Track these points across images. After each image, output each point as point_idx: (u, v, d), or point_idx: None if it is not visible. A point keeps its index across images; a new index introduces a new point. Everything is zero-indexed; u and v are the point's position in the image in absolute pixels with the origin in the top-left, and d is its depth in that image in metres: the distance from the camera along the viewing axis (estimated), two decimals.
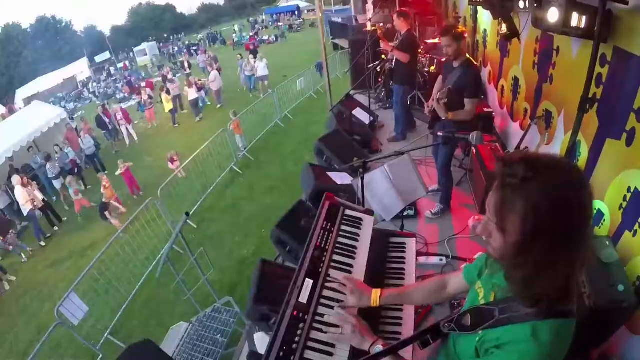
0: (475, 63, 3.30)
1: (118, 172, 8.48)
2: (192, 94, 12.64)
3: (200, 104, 13.71)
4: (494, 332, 1.00)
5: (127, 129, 12.30)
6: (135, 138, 12.50)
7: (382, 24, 7.67)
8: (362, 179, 2.39)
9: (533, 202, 0.82)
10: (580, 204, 0.83)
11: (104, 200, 7.44)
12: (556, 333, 0.90)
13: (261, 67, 14.06)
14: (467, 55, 3.23)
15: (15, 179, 7.91)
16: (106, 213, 7.35)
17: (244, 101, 12.57)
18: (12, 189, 8.19)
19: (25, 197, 7.69)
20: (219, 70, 18.18)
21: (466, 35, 3.31)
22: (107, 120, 11.94)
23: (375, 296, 1.46)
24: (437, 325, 1.25)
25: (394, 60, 4.88)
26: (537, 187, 0.82)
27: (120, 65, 32.13)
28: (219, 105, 13.42)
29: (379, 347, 1.24)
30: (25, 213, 7.86)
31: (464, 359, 1.15)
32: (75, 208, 8.35)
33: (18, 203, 7.98)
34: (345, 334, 1.36)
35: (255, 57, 15.96)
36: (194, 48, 31.81)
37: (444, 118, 3.16)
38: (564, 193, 0.82)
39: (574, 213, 0.82)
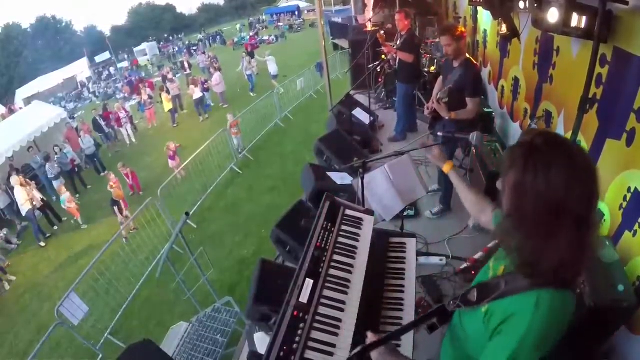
0: (475, 62, 3.30)
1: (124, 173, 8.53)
2: (197, 93, 12.63)
3: (209, 102, 13.70)
4: (500, 303, 1.02)
5: (127, 129, 12.30)
6: (134, 139, 12.50)
7: (383, 25, 7.68)
8: (362, 179, 2.39)
9: (532, 165, 0.88)
10: (576, 186, 0.86)
11: (113, 198, 7.41)
12: (560, 301, 0.93)
13: (272, 66, 14.07)
14: (467, 55, 3.22)
15: (14, 179, 7.88)
16: (116, 208, 7.34)
17: (245, 101, 12.57)
18: (12, 188, 8.18)
19: (25, 196, 7.67)
20: (219, 70, 18.22)
21: (466, 35, 3.30)
22: (102, 123, 11.96)
23: (448, 166, 1.73)
24: (442, 307, 1.26)
25: (397, 60, 4.89)
26: (541, 156, 0.88)
27: (120, 65, 32.12)
28: (225, 106, 13.42)
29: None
30: (24, 213, 7.85)
31: (472, 335, 1.16)
32: (75, 215, 8.14)
33: (18, 203, 7.96)
34: None
35: (252, 58, 15.97)
36: (194, 48, 31.81)
37: (446, 118, 3.15)
38: (565, 169, 0.86)
39: (566, 195, 0.85)
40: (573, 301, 0.98)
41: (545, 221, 0.88)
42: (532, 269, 0.93)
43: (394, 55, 4.82)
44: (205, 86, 13.69)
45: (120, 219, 7.31)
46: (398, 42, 4.88)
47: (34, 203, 7.76)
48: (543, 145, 0.90)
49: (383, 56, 5.38)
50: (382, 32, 5.51)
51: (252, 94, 13.68)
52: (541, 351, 0.96)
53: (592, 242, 0.91)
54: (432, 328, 1.30)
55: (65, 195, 7.87)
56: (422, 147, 1.68)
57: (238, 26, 36.32)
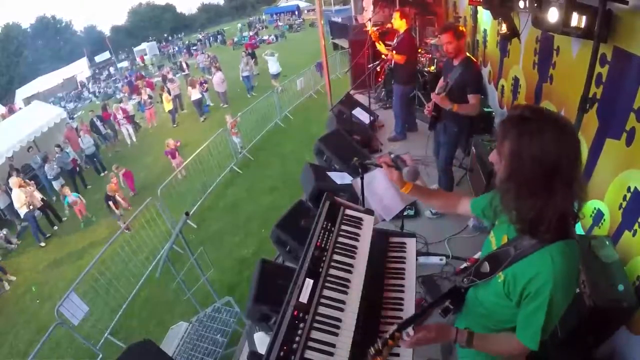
0: (475, 60, 3.29)
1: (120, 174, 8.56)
2: (195, 94, 12.64)
3: (208, 103, 13.68)
4: (515, 267, 1.12)
5: (127, 129, 12.30)
6: (134, 139, 12.50)
7: (379, 25, 7.67)
8: (362, 178, 2.39)
9: (522, 133, 0.99)
10: (561, 149, 0.97)
11: (108, 193, 7.43)
12: (569, 250, 1.05)
13: (272, 64, 14.03)
14: (467, 53, 3.22)
15: (13, 181, 7.80)
16: (110, 203, 7.36)
17: (245, 101, 12.56)
18: (12, 189, 8.17)
19: (21, 200, 7.58)
20: (219, 70, 18.21)
21: (466, 33, 3.29)
22: (100, 124, 11.96)
23: (406, 188, 1.64)
24: (455, 287, 1.33)
25: (393, 61, 4.89)
26: (529, 124, 1.00)
27: (120, 65, 32.13)
28: (225, 106, 13.39)
29: (463, 344, 1.24)
30: (21, 215, 7.83)
31: (492, 307, 1.25)
32: (78, 215, 8.10)
33: (15, 205, 7.90)
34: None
35: (253, 58, 15.95)
36: (194, 48, 31.82)
37: (448, 109, 3.11)
38: (549, 135, 0.97)
39: (554, 154, 0.97)
40: (577, 247, 1.08)
41: (542, 181, 0.98)
42: (535, 227, 1.03)
43: (389, 55, 4.81)
44: (204, 86, 13.67)
45: (118, 213, 7.41)
46: (395, 42, 4.87)
47: (31, 207, 7.71)
48: (532, 115, 1.01)
49: (383, 56, 5.39)
50: (374, 28, 5.49)
51: (249, 96, 13.52)
52: (569, 297, 1.08)
53: (581, 196, 1.03)
54: (446, 311, 1.37)
55: (70, 197, 7.83)
56: (381, 163, 1.62)
57: (239, 25, 36.35)
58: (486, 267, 1.22)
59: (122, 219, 7.49)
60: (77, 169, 9.97)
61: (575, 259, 1.07)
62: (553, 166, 0.97)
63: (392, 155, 1.60)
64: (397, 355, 1.68)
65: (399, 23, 4.66)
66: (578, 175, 1.01)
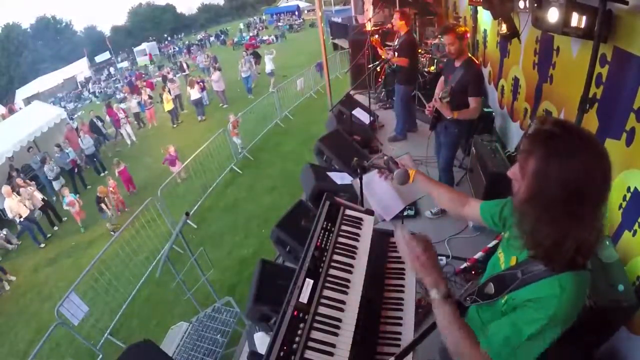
0: (477, 62, 3.29)
1: (117, 171, 8.57)
2: (194, 94, 12.63)
3: (205, 102, 13.68)
4: (520, 292, 1.04)
5: (126, 129, 12.31)
6: (134, 138, 12.50)
7: (379, 25, 7.68)
8: (361, 179, 2.38)
9: (550, 153, 0.90)
10: (593, 175, 0.89)
11: (98, 195, 7.45)
12: (578, 283, 0.97)
13: (268, 63, 14.04)
14: (469, 54, 3.22)
15: (4, 190, 7.67)
16: (102, 205, 7.40)
17: (245, 102, 12.56)
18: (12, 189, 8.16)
19: (14, 209, 7.51)
20: (219, 70, 18.20)
21: (468, 34, 3.29)
22: (100, 124, 11.97)
23: (411, 173, 1.60)
24: (457, 302, 1.23)
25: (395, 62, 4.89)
26: (559, 143, 0.90)
27: (120, 65, 32.14)
28: (225, 106, 13.37)
29: (436, 298, 1.13)
30: (17, 223, 7.80)
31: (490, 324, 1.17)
32: (76, 219, 7.95)
33: (7, 214, 7.83)
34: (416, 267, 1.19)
35: (256, 58, 15.95)
36: (193, 48, 31.85)
37: (448, 117, 3.13)
38: (581, 158, 0.88)
39: (585, 180, 0.88)
40: (588, 279, 1.02)
41: (566, 207, 0.90)
42: (551, 255, 0.96)
43: (391, 59, 4.83)
44: (202, 85, 13.66)
45: (109, 214, 7.49)
46: (396, 44, 4.88)
47: (29, 212, 7.69)
48: (563, 133, 0.91)
49: (383, 56, 5.39)
50: (376, 36, 5.51)
51: (250, 96, 13.47)
52: (565, 326, 1.01)
53: (602, 226, 0.95)
54: None
55: (67, 198, 7.68)
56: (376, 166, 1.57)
57: (242, 25, 36.43)
58: (491, 288, 1.15)
59: (112, 219, 7.56)
60: (77, 169, 9.96)
61: (584, 292, 1.01)
62: (581, 192, 0.88)
63: (385, 158, 1.56)
64: None
65: (399, 24, 4.67)
66: (605, 203, 0.93)
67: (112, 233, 7.05)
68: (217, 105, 13.74)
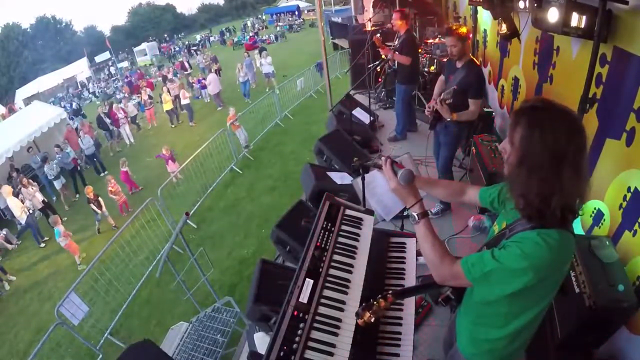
0: (478, 63, 3.29)
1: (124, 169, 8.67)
2: (183, 99, 12.64)
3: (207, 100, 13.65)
4: (507, 241, 1.15)
5: (125, 129, 12.31)
6: (132, 139, 12.49)
7: (382, 24, 7.68)
8: (363, 178, 2.39)
9: (533, 123, 1.04)
10: (570, 140, 1.02)
11: (87, 196, 7.48)
12: (559, 238, 1.06)
13: (266, 64, 14.02)
14: (471, 56, 3.22)
15: (6, 190, 7.67)
16: (92, 206, 7.45)
17: (243, 103, 12.56)
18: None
19: (19, 207, 7.51)
20: (219, 70, 18.21)
21: (470, 35, 3.28)
22: (108, 120, 11.94)
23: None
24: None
25: (396, 61, 4.89)
26: (540, 114, 1.06)
27: (120, 65, 32.14)
28: (219, 108, 13.33)
29: (414, 215, 1.34)
30: (22, 222, 7.82)
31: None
32: (72, 252, 6.83)
33: (14, 214, 7.85)
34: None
35: (262, 52, 15.94)
36: (194, 48, 31.85)
37: (447, 119, 3.13)
38: (559, 126, 1.02)
39: (563, 144, 1.01)
40: (572, 241, 1.11)
41: (551, 167, 1.02)
42: (541, 213, 1.06)
43: (393, 58, 4.81)
44: (203, 83, 13.63)
45: (100, 213, 7.54)
46: (396, 43, 4.87)
47: (30, 210, 7.66)
48: (544, 105, 1.08)
49: (383, 56, 5.39)
50: (378, 35, 5.50)
51: (247, 100, 13.22)
52: (539, 277, 1.07)
53: (584, 191, 1.07)
54: (446, 300, 1.46)
55: (60, 229, 6.68)
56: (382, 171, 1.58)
57: (249, 22, 36.52)
58: (484, 250, 1.26)
59: (121, 219, 7.52)
60: (78, 167, 9.96)
61: (566, 251, 1.09)
62: (562, 153, 1.01)
63: (383, 158, 1.55)
64: (397, 355, 1.68)
65: (399, 24, 4.66)
66: (585, 166, 1.05)
67: (97, 233, 7.57)
68: (213, 107, 13.67)
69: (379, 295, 1.30)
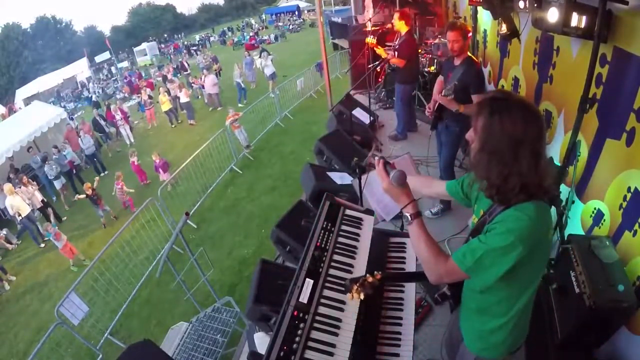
0: (477, 60, 3.29)
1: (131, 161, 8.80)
2: (183, 97, 12.62)
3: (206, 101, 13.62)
4: (489, 225, 1.21)
5: (125, 129, 12.30)
6: (132, 139, 12.48)
7: (379, 25, 7.67)
8: (360, 178, 2.38)
9: (492, 111, 1.14)
10: (525, 124, 1.11)
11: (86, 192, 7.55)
12: (536, 208, 1.14)
13: (270, 66, 14.00)
14: (469, 53, 3.22)
15: (6, 187, 7.63)
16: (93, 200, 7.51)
17: (240, 105, 12.55)
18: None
19: (16, 207, 7.47)
20: (219, 70, 18.21)
21: (470, 33, 3.28)
22: (103, 122, 11.96)
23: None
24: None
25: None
26: (498, 104, 1.15)
27: (120, 65, 32.14)
28: (219, 108, 13.30)
29: (407, 215, 1.36)
30: (18, 221, 7.79)
31: None
32: (67, 256, 6.73)
33: (9, 213, 7.80)
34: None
35: (261, 56, 15.91)
36: (194, 48, 31.86)
37: (454, 110, 3.08)
38: (516, 113, 1.12)
39: (520, 128, 1.11)
40: (549, 210, 1.21)
41: (509, 151, 1.11)
42: (503, 192, 1.16)
43: (388, 58, 4.82)
44: (201, 82, 13.61)
45: (102, 213, 7.67)
46: (396, 43, 4.88)
47: (22, 213, 7.60)
48: (502, 95, 1.20)
49: (382, 55, 5.39)
50: (371, 37, 5.51)
51: (240, 105, 13.06)
52: (528, 247, 1.12)
53: (546, 168, 1.16)
54: (443, 297, 1.52)
55: (52, 231, 6.56)
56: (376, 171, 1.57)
57: (252, 21, 36.51)
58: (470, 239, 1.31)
59: (121, 220, 7.56)
60: (74, 170, 9.92)
61: (544, 218, 1.17)
62: (519, 138, 1.10)
63: (377, 158, 1.55)
64: (397, 355, 1.68)
65: (399, 24, 4.67)
66: (543, 151, 1.15)
67: (103, 226, 7.77)
68: (210, 108, 13.63)
69: (368, 274, 1.39)
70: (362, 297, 1.36)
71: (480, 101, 1.22)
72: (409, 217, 1.35)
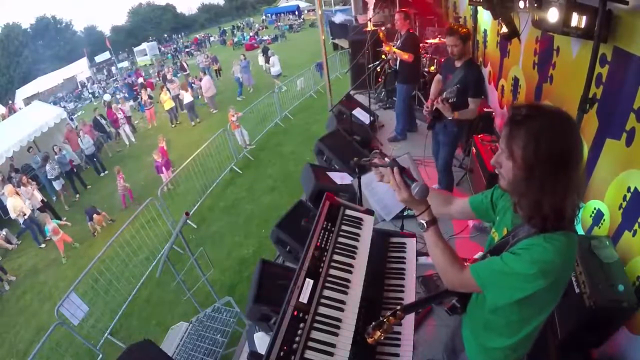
0: (477, 63, 3.29)
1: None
2: (187, 97, 12.62)
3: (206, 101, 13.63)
4: (513, 248, 1.12)
5: (125, 129, 12.30)
6: (133, 139, 12.48)
7: (383, 24, 7.68)
8: (359, 178, 2.38)
9: (533, 133, 0.99)
10: (572, 142, 1.01)
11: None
12: (567, 241, 1.04)
13: (276, 64, 13.97)
14: (470, 56, 3.21)
15: (7, 189, 7.66)
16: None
17: (243, 103, 12.53)
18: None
19: (17, 208, 7.49)
20: (219, 70, 18.20)
21: (471, 34, 3.27)
22: (104, 122, 11.95)
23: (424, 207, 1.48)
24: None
25: (397, 61, 4.88)
26: (537, 123, 1.00)
27: (120, 65, 32.13)
28: (215, 111, 13.26)
29: (422, 222, 1.31)
30: (20, 222, 7.80)
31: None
32: (59, 248, 7.05)
33: (10, 213, 7.81)
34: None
35: (265, 55, 15.88)
36: (187, 50, 31.87)
37: (449, 118, 3.12)
38: (559, 130, 1.00)
39: (567, 147, 0.99)
40: (575, 240, 1.08)
41: (558, 176, 0.99)
42: (545, 219, 1.04)
43: (394, 56, 4.81)
44: (198, 83, 13.61)
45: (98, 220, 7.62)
46: (398, 42, 4.88)
47: (29, 211, 7.66)
48: (536, 112, 1.03)
49: (383, 56, 5.38)
50: (383, 28, 5.50)
51: (239, 99, 13.11)
52: (550, 281, 1.04)
53: (583, 182, 1.09)
54: (452, 310, 1.44)
55: (50, 226, 6.93)
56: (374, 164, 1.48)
57: (252, 20, 36.52)
58: (488, 258, 1.23)
59: (121, 219, 7.53)
60: (75, 170, 9.94)
61: (572, 251, 1.08)
62: (566, 161, 0.99)
63: (389, 161, 1.39)
64: (397, 355, 1.68)
65: (400, 24, 4.67)
66: (583, 165, 1.05)
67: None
68: (209, 110, 13.64)
69: (389, 313, 1.26)
70: (382, 338, 1.27)
71: (511, 122, 1.04)
72: (424, 224, 1.30)
